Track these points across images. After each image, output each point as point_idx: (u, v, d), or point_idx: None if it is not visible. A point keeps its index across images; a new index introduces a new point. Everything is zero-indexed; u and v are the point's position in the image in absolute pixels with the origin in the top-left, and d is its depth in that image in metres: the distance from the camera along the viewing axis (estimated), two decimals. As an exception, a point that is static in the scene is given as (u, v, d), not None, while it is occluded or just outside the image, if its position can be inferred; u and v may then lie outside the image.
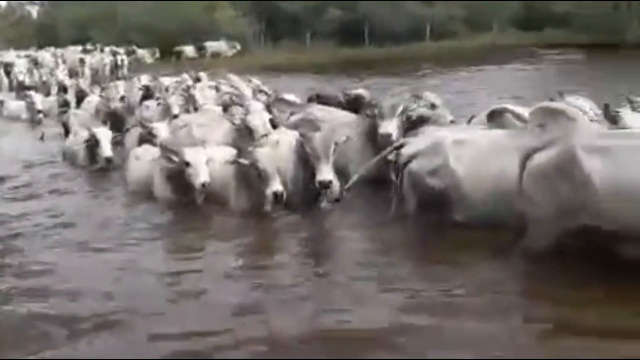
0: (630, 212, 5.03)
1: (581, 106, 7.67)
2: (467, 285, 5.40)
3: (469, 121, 8.54)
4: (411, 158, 6.90)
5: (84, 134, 10.87)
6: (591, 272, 5.23)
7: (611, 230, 5.16)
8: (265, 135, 8.66)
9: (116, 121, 12.05)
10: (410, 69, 26.06)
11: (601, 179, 5.15)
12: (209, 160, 7.81)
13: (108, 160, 10.31)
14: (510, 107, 7.78)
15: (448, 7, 41.38)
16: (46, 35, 49.21)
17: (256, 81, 16.73)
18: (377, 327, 4.79)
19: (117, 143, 10.63)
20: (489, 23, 40.19)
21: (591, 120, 7.16)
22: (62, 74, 25.08)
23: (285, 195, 7.23)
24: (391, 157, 7.32)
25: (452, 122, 8.87)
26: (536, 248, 5.58)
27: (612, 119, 7.73)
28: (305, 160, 7.29)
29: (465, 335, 4.62)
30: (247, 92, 13.64)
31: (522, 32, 39.43)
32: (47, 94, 20.04)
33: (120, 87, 17.92)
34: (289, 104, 11.40)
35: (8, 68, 27.83)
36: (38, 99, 17.89)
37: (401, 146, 7.17)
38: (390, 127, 8.04)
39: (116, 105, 14.14)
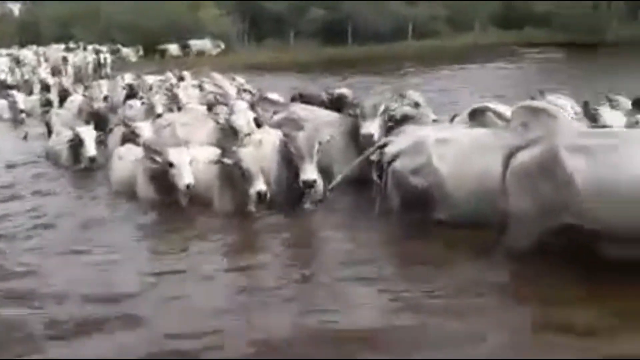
0: (612, 211, 5.07)
1: (562, 105, 7.73)
2: (450, 285, 5.42)
3: (452, 120, 8.57)
4: (394, 157, 6.92)
5: (67, 134, 10.79)
6: (573, 271, 5.27)
7: (593, 230, 5.20)
8: (249, 134, 8.66)
9: (99, 121, 11.96)
10: (392, 68, 26.09)
11: (583, 178, 5.19)
12: (193, 161, 7.78)
13: (92, 159, 10.23)
14: (491, 105, 7.83)
15: (430, 6, 41.51)
16: (28, 33, 48.76)
17: (240, 80, 16.70)
18: (361, 328, 4.80)
19: (100, 142, 10.55)
20: (470, 22, 40.36)
21: (572, 119, 7.22)
22: (44, 73, 24.92)
23: (269, 195, 7.22)
24: (374, 157, 7.34)
25: (435, 120, 8.91)
26: (518, 247, 5.61)
27: (592, 117, 7.79)
28: (289, 160, 7.29)
29: (448, 335, 4.64)
30: (231, 91, 13.63)
31: (503, 31, 39.62)
32: (30, 93, 19.90)
33: (104, 86, 17.82)
34: (273, 103, 11.40)
35: (-11, 67, 27.59)
36: (20, 98, 17.72)
37: (384, 145, 7.19)
38: (372, 127, 8.07)
39: (99, 105, 14.07)
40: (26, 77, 24.42)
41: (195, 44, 40.41)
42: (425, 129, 7.29)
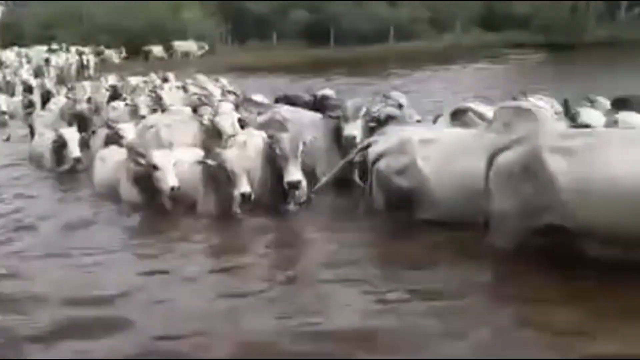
0: (594, 211, 5.11)
1: (544, 105, 7.80)
2: (434, 285, 5.43)
3: (435, 120, 8.62)
4: (379, 157, 6.95)
5: (50, 136, 10.72)
6: (555, 271, 5.32)
7: (575, 230, 5.25)
8: (233, 136, 8.65)
9: (82, 122, 11.88)
10: (376, 70, 26.21)
11: (566, 178, 5.23)
12: (177, 163, 7.75)
13: (77, 160, 10.14)
14: (473, 106, 7.89)
15: (412, 8, 41.75)
16: (10, 34, 48.32)
17: (224, 81, 16.70)
18: (345, 329, 4.81)
19: (84, 144, 10.47)
20: (452, 24, 40.61)
21: (554, 119, 7.29)
22: (26, 74, 24.77)
23: (253, 197, 7.22)
24: (357, 158, 7.39)
25: (418, 121, 8.97)
26: (501, 246, 5.66)
27: (572, 117, 7.87)
28: (273, 161, 7.30)
29: (429, 336, 4.66)
30: (216, 92, 13.63)
31: (485, 32, 39.96)
32: (12, 94, 19.74)
33: (88, 87, 17.73)
34: (257, 104, 11.42)
35: (-29, 68, 27.42)
36: (2, 99, 17.57)
37: (368, 146, 7.22)
38: (354, 129, 8.09)
39: (82, 106, 13.99)
40: (8, 78, 24.21)
41: (180, 45, 40.37)
42: (409, 130, 7.32)
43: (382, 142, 7.12)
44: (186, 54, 39.66)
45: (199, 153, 7.95)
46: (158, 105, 12.48)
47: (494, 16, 41.23)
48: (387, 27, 39.63)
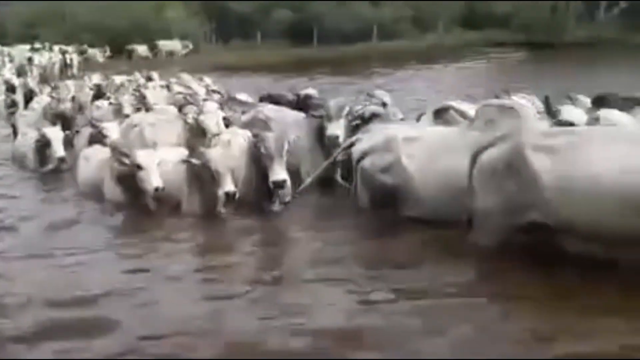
0: (577, 209, 5.15)
1: (526, 103, 7.85)
2: (418, 284, 5.45)
3: (418, 119, 8.65)
4: (363, 155, 6.97)
5: (33, 135, 10.64)
6: (538, 268, 5.35)
7: (559, 227, 5.28)
8: (217, 135, 8.64)
9: (65, 121, 11.79)
10: (359, 69, 26.25)
11: (549, 176, 5.27)
12: (161, 162, 7.72)
13: (61, 160, 10.06)
14: (454, 104, 7.93)
15: (395, 8, 41.89)
16: (-8, 33, 48.14)
17: (208, 80, 16.66)
18: (330, 329, 4.81)
19: (67, 143, 10.40)
20: (434, 23, 40.82)
21: (536, 117, 7.33)
22: (9, 73, 24.58)
23: (237, 196, 7.21)
24: (340, 157, 7.41)
25: (402, 119, 9.00)
26: (485, 244, 5.69)
27: (554, 115, 7.91)
28: (258, 160, 7.29)
29: (414, 334, 4.68)
30: (200, 91, 13.59)
31: (466, 31, 40.23)
32: (-6, 94, 19.62)
33: (71, 86, 17.63)
34: (241, 103, 11.41)
35: (-47, 68, 27.17)
36: (-16, 99, 17.50)
37: (351, 145, 7.24)
38: (337, 129, 8.10)
39: (66, 105, 13.90)
40: (-9, 77, 24.08)
41: (165, 44, 40.25)
42: (392, 128, 7.34)
43: (366, 140, 7.14)
44: (171, 54, 39.53)
45: (183, 152, 7.93)
46: (142, 104, 12.41)
47: (475, 16, 41.71)
48: (370, 27, 39.75)
